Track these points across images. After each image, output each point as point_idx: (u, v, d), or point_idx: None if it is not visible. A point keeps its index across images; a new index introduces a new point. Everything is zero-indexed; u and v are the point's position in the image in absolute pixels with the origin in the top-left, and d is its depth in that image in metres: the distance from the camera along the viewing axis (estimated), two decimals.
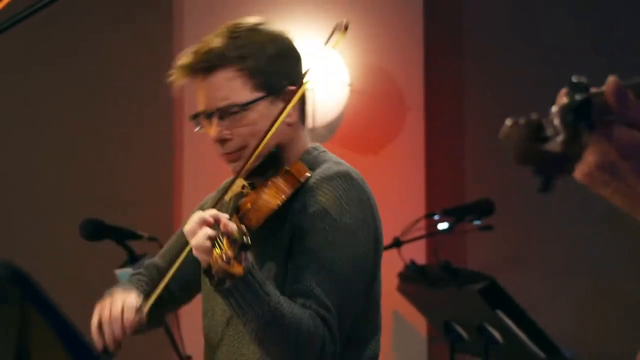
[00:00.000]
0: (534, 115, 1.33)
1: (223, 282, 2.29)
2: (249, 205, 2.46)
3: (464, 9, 5.48)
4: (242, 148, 2.53)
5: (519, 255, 5.13)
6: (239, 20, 2.59)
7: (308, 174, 2.51)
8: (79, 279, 4.73)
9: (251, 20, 2.59)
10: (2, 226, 4.92)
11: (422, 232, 4.78)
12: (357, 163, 2.70)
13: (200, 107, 2.56)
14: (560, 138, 1.29)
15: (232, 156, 2.55)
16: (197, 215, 2.34)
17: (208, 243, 2.28)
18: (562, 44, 5.35)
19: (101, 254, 3.95)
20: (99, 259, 3.89)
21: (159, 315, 2.74)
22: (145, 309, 2.54)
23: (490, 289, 4.43)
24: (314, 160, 2.59)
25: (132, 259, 4.01)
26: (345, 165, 2.59)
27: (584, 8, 5.27)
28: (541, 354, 4.53)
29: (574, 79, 1.33)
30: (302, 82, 2.55)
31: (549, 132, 1.30)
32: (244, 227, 2.30)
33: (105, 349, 2.48)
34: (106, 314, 2.50)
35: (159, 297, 2.59)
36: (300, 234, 2.48)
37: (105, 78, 5.14)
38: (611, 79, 1.36)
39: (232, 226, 2.28)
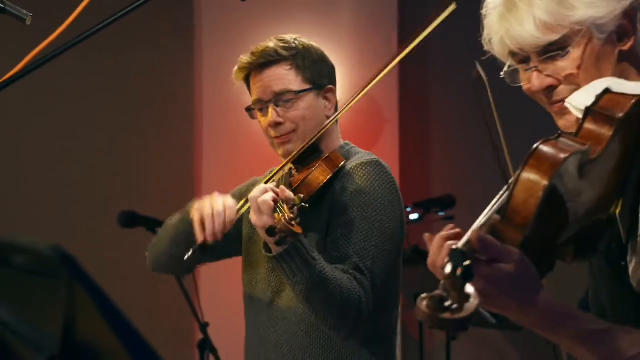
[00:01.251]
0: (437, 290, 1.37)
1: (283, 240, 2.25)
2: (299, 180, 2.44)
3: (432, 38, 5.46)
4: (292, 131, 2.54)
5: None
6: (280, 35, 2.61)
7: (343, 161, 2.51)
8: (116, 260, 4.72)
9: (290, 35, 2.62)
10: (52, 217, 4.90)
11: None
12: None
13: (257, 96, 2.56)
14: (455, 304, 1.34)
15: (283, 138, 2.55)
16: (261, 186, 2.33)
17: (272, 204, 2.26)
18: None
19: (134, 239, 3.94)
20: (133, 244, 3.88)
21: (197, 262, 2.63)
22: (240, 213, 2.47)
23: None
24: (347, 153, 2.60)
25: None
26: (374, 156, 2.60)
27: None
28: (492, 320, 4.53)
29: (454, 247, 1.37)
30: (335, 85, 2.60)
31: (448, 302, 1.34)
32: (301, 195, 2.31)
33: (203, 244, 2.41)
34: (208, 211, 2.41)
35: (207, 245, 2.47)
36: (339, 210, 2.47)
37: (140, 96, 5.12)
38: (473, 234, 1.41)
39: (290, 193, 2.29)
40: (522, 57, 1.69)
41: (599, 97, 1.56)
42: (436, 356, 5.04)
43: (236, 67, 2.59)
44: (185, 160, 5.08)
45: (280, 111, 2.53)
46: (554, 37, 1.63)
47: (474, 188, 4.96)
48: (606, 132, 1.52)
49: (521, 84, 1.71)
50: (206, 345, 4.24)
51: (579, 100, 1.58)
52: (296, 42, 2.57)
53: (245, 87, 2.65)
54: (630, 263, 1.58)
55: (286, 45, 2.55)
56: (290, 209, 2.25)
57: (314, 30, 5.00)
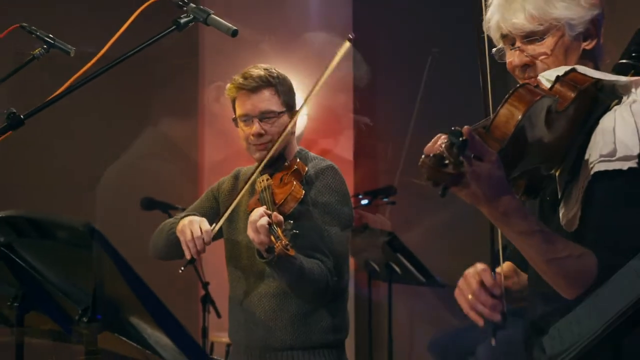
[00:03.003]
0: (438, 150, 1.39)
1: (279, 258, 2.27)
2: (282, 197, 2.44)
3: (379, 64, 5.47)
4: (270, 142, 2.51)
5: (410, 220, 5.13)
6: (261, 65, 2.58)
7: (306, 168, 2.52)
8: (137, 235, 4.65)
9: (267, 65, 2.59)
10: (83, 200, 4.85)
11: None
12: None
13: (244, 111, 2.54)
14: (451, 165, 1.36)
15: (261, 146, 2.52)
16: (258, 210, 2.31)
17: (268, 227, 2.27)
18: (454, 85, 5.35)
19: (152, 219, 3.91)
20: (151, 223, 3.86)
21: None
22: (214, 232, 2.47)
23: (393, 240, 4.45)
24: (305, 157, 2.58)
25: None
26: (327, 160, 2.59)
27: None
28: (422, 279, 4.55)
29: (453, 128, 1.39)
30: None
31: (446, 161, 1.36)
32: (291, 221, 2.31)
33: (191, 259, 2.44)
34: (188, 236, 2.43)
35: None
36: (307, 208, 2.46)
37: (154, 112, 5.09)
38: (465, 128, 1.41)
39: (281, 218, 2.30)
40: (511, 40, 1.73)
41: (567, 72, 1.62)
42: (381, 308, 5.06)
43: (230, 85, 2.55)
44: (191, 159, 5.06)
45: (263, 125, 2.52)
46: (537, 27, 1.68)
47: (409, 181, 4.99)
48: (570, 94, 1.58)
49: (506, 61, 1.75)
50: (207, 300, 4.25)
51: (551, 74, 1.63)
52: (276, 72, 2.56)
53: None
54: (561, 210, 1.63)
55: (272, 74, 2.53)
56: (284, 232, 2.26)
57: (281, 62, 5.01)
